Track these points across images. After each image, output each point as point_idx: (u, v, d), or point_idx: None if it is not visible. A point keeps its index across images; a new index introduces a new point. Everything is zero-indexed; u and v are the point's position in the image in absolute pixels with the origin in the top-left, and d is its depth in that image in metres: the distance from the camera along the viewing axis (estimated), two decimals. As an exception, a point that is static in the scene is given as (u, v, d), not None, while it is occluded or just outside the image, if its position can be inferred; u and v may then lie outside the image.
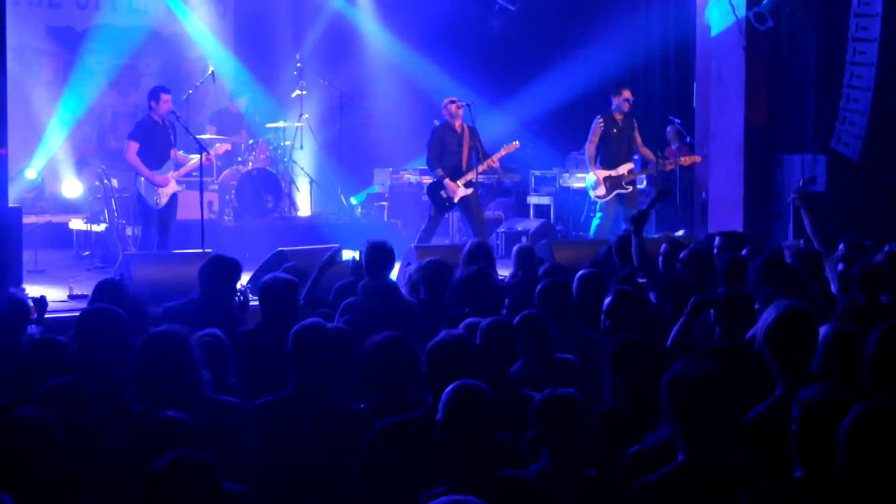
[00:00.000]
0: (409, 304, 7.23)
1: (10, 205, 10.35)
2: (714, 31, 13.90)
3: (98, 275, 11.73)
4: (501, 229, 14.76)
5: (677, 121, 14.98)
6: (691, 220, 14.38)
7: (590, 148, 12.65)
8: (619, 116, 12.64)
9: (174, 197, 11.68)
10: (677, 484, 3.94)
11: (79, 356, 5.17)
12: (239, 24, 17.54)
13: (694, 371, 4.07)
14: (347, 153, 15.87)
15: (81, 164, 16.12)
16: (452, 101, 12.31)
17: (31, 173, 15.56)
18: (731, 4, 13.42)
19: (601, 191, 12.57)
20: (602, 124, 12.59)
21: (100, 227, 13.40)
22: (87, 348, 5.13)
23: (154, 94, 11.57)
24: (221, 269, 6.87)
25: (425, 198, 12.99)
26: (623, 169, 12.59)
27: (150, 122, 11.58)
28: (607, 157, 12.59)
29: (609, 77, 16.44)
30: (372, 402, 5.07)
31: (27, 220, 11.88)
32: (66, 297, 10.12)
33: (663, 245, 8.61)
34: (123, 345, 5.16)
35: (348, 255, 8.36)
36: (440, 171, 12.17)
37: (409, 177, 15.60)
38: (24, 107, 15.31)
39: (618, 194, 12.56)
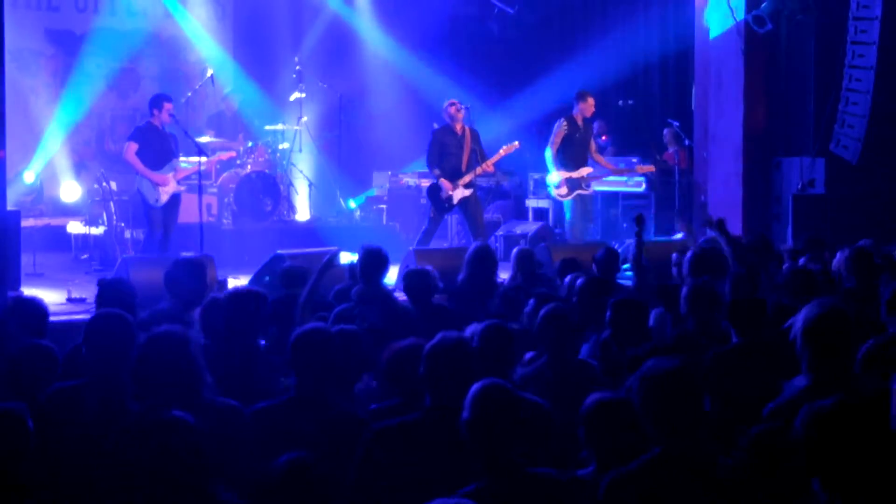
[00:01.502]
0: (404, 309, 7.23)
1: (8, 208, 10.35)
2: (713, 35, 13.89)
3: (97, 278, 11.72)
4: (500, 232, 14.76)
5: (676, 123, 14.98)
6: (690, 222, 14.38)
7: (552, 149, 12.82)
8: (581, 121, 12.79)
9: (176, 197, 11.69)
10: (650, 475, 3.93)
11: (88, 361, 5.15)
12: (238, 26, 17.54)
13: (664, 367, 4.07)
14: (346, 156, 15.88)
15: (80, 167, 16.12)
16: (453, 104, 12.38)
17: (29, 176, 15.54)
18: (730, 7, 13.42)
19: (563, 191, 12.84)
20: (566, 127, 12.80)
21: (98, 230, 13.40)
22: (95, 353, 5.11)
23: (156, 102, 11.60)
24: (187, 274, 6.79)
25: (424, 200, 13.03)
26: (583, 171, 12.85)
27: (150, 126, 11.62)
28: (568, 159, 12.83)
29: (608, 80, 16.48)
30: (389, 403, 5.09)
31: (26, 223, 11.88)
32: (64, 301, 10.12)
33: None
34: (131, 349, 5.15)
35: (347, 258, 8.35)
36: (437, 172, 12.25)
37: (408, 179, 15.61)
38: (23, 110, 15.30)
39: (578, 195, 12.80)
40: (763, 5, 13.03)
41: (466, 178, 12.24)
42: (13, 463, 4.04)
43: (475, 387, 4.09)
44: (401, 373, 5.04)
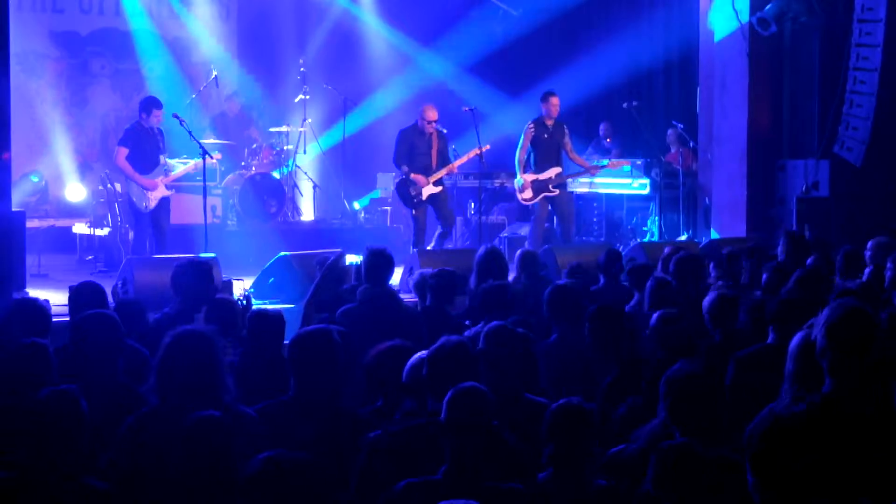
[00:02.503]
0: (408, 310, 7.23)
1: (13, 209, 10.36)
2: (717, 37, 13.89)
3: (101, 279, 11.74)
4: (504, 234, 14.75)
5: (680, 126, 14.97)
6: (694, 224, 14.37)
7: (520, 153, 12.81)
8: (549, 122, 12.82)
9: (165, 201, 11.78)
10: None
11: (76, 363, 5.14)
12: (242, 28, 17.56)
13: (690, 371, 4.08)
14: (350, 158, 15.87)
15: (85, 169, 16.14)
16: (430, 109, 12.42)
17: (34, 177, 15.57)
18: (735, 10, 13.42)
19: (527, 194, 12.79)
20: (532, 129, 12.79)
21: (103, 232, 13.42)
22: (83, 355, 5.10)
23: (146, 108, 11.74)
24: (193, 275, 6.76)
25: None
26: (551, 172, 12.74)
27: (139, 128, 11.76)
28: (536, 162, 12.80)
29: (613, 82, 16.46)
30: (371, 406, 5.10)
31: (31, 224, 11.91)
32: (68, 302, 10.11)
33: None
34: (120, 348, 5.14)
35: (352, 259, 8.35)
36: (405, 168, 12.36)
37: (412, 181, 15.59)
38: (28, 111, 15.33)
39: (545, 197, 12.74)
40: (767, 8, 13.03)
41: (436, 176, 12.35)
42: (70, 442, 4.16)
43: (452, 390, 4.10)
44: (382, 375, 5.05)
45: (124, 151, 11.66)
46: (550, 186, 12.70)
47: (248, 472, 3.66)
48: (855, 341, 4.41)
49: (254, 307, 7.11)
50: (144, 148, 11.69)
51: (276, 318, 6.12)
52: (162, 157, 11.83)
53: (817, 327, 4.49)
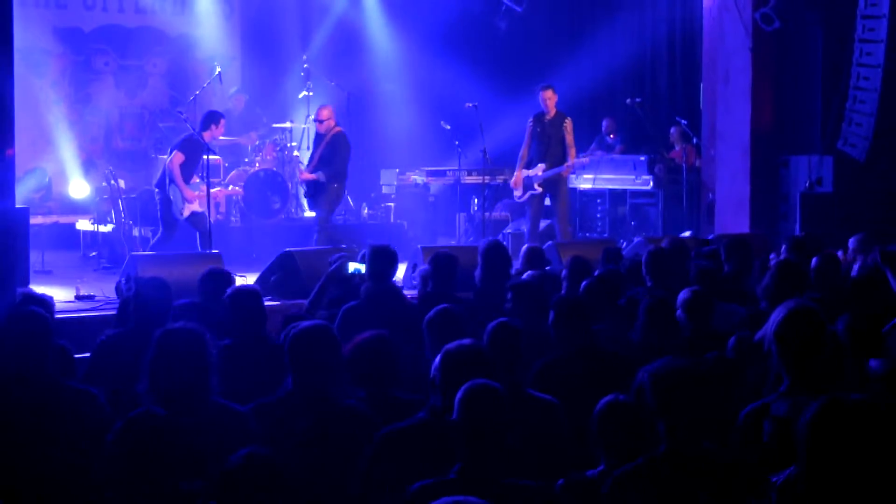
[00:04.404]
0: (412, 307, 7.23)
1: (17, 205, 10.34)
2: (720, 32, 13.86)
3: (105, 275, 11.80)
4: (508, 230, 14.73)
5: (684, 122, 14.96)
6: (698, 221, 14.37)
7: (522, 149, 12.74)
8: (548, 116, 12.63)
9: (195, 213, 11.73)
10: (653, 473, 3.94)
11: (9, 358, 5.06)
12: (245, 24, 17.57)
13: (676, 366, 4.08)
14: (354, 154, 15.83)
15: (88, 165, 16.14)
16: (326, 108, 12.58)
17: (38, 174, 15.58)
18: (738, 5, 13.40)
19: (518, 192, 12.77)
20: (531, 124, 12.68)
21: (107, 228, 13.44)
22: (9, 353, 5.03)
23: (215, 119, 11.84)
24: (149, 294, 6.42)
25: (432, 198, 13.07)
26: (538, 169, 12.61)
27: (199, 142, 11.67)
28: (530, 157, 12.70)
29: (616, 78, 16.47)
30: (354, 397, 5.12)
31: (34, 220, 11.92)
32: (72, 298, 10.15)
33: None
34: (49, 348, 5.10)
35: (354, 266, 8.34)
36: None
37: (416, 178, 15.60)
38: (32, 108, 15.33)
39: (531, 195, 12.64)
40: (771, 3, 13.02)
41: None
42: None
43: (465, 387, 4.05)
44: (364, 365, 5.06)
45: (181, 157, 11.58)
46: (536, 184, 12.59)
47: (226, 467, 3.68)
48: (803, 343, 4.40)
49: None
50: (195, 161, 11.72)
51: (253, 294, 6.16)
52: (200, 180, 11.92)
53: (767, 331, 4.48)
